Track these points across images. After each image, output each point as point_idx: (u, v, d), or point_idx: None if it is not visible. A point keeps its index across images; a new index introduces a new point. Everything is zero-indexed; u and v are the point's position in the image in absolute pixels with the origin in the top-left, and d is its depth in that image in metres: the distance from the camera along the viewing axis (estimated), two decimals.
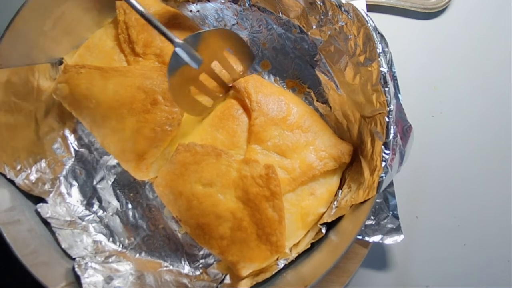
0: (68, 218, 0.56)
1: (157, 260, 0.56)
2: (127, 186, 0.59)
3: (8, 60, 0.52)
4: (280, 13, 0.60)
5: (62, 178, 0.59)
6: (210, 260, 0.56)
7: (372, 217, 0.52)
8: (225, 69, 0.54)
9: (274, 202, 0.48)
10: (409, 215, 0.60)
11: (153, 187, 0.53)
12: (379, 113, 0.47)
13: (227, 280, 0.53)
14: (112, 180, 0.60)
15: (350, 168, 0.54)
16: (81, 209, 0.58)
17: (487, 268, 0.59)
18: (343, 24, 0.50)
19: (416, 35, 0.67)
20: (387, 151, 0.45)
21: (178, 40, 0.46)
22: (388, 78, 0.46)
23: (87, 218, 0.58)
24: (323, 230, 0.51)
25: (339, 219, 0.50)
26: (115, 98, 0.53)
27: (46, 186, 0.57)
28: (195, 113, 0.53)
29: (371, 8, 0.67)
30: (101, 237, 0.57)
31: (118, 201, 0.59)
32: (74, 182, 0.59)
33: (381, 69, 0.46)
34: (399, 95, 0.47)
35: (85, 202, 0.59)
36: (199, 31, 0.48)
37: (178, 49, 0.47)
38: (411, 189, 0.62)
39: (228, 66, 0.54)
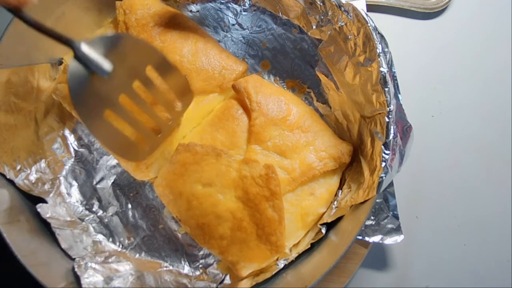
0: (68, 218, 0.56)
1: (157, 260, 0.56)
2: (127, 186, 0.59)
3: (8, 60, 0.52)
4: (280, 13, 0.60)
5: (62, 178, 0.59)
6: (210, 260, 0.56)
7: (372, 217, 0.52)
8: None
9: (274, 202, 0.48)
10: (409, 215, 0.60)
11: (153, 187, 0.53)
12: (379, 113, 0.47)
13: (227, 280, 0.54)
14: (112, 180, 0.60)
15: (350, 168, 0.54)
16: (81, 209, 0.58)
17: (487, 268, 0.59)
18: (343, 24, 0.50)
19: (416, 35, 0.67)
20: (387, 151, 0.45)
21: (77, 40, 0.36)
22: (388, 78, 0.46)
23: (87, 218, 0.58)
24: (323, 230, 0.51)
25: (339, 219, 0.50)
26: None
27: (46, 186, 0.57)
28: (129, 157, 0.46)
29: (371, 8, 0.67)
30: (101, 237, 0.57)
31: (118, 201, 0.59)
32: (74, 182, 0.59)
33: (381, 69, 0.46)
34: (399, 95, 0.47)
35: (85, 202, 0.59)
36: (114, 35, 0.38)
37: (78, 51, 0.36)
38: (411, 189, 0.62)
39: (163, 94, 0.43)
